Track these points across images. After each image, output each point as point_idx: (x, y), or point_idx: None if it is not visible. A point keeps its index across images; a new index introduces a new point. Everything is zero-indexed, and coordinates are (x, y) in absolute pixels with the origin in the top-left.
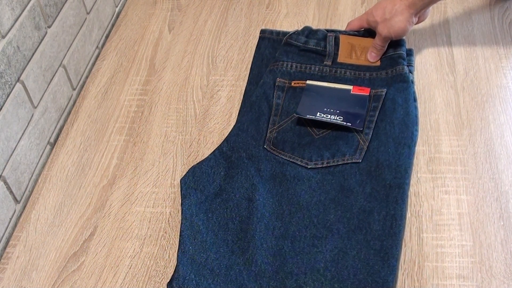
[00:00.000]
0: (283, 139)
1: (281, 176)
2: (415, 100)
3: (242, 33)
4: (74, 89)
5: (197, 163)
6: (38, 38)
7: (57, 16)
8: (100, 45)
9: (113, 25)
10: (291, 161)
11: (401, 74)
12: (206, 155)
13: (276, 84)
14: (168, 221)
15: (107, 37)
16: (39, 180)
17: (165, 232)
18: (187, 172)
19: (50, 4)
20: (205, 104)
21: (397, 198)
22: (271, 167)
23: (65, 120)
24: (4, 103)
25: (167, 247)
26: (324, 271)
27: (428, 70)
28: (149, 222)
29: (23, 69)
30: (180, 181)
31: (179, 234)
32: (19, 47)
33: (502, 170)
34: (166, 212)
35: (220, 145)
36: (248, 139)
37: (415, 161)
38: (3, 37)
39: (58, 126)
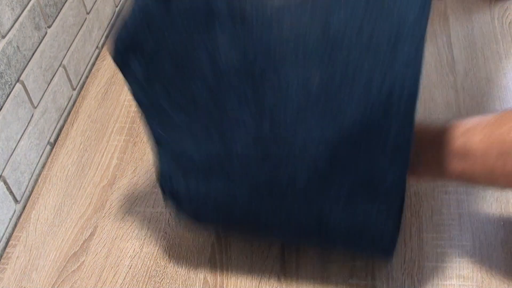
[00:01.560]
0: None
1: (241, 17)
2: None
3: None
4: (74, 89)
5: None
6: (38, 38)
7: (57, 16)
8: (100, 45)
9: (113, 25)
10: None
11: None
12: None
13: None
14: (168, 221)
15: (107, 37)
16: (39, 180)
17: (165, 232)
18: (119, 29)
19: (50, 4)
20: None
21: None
22: (227, 4)
23: (65, 120)
24: (4, 103)
25: (167, 247)
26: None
27: (428, 70)
28: (149, 222)
29: (23, 69)
30: (115, 42)
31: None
32: (19, 47)
33: None
34: (166, 212)
35: None
36: None
37: None
38: (3, 37)
39: (58, 126)
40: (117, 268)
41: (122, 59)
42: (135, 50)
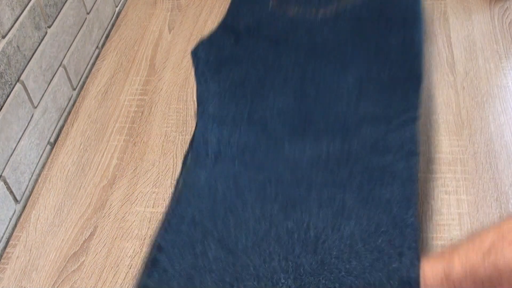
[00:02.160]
0: None
1: (293, 31)
2: None
3: None
4: (74, 89)
5: (205, 37)
6: (38, 38)
7: (57, 16)
8: (100, 45)
9: (113, 25)
10: (300, 16)
11: None
12: None
13: None
14: None
15: (107, 37)
16: (39, 180)
17: None
18: (196, 45)
19: (50, 4)
20: None
21: (414, 21)
22: (282, 25)
23: (65, 120)
24: (4, 103)
25: None
26: (349, 95)
27: (428, 70)
28: (149, 222)
29: (23, 69)
30: (191, 53)
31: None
32: (19, 47)
33: (502, 170)
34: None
35: (222, 20)
36: (252, 5)
37: None
38: (3, 37)
39: (58, 126)
40: (117, 268)
41: None
42: None
